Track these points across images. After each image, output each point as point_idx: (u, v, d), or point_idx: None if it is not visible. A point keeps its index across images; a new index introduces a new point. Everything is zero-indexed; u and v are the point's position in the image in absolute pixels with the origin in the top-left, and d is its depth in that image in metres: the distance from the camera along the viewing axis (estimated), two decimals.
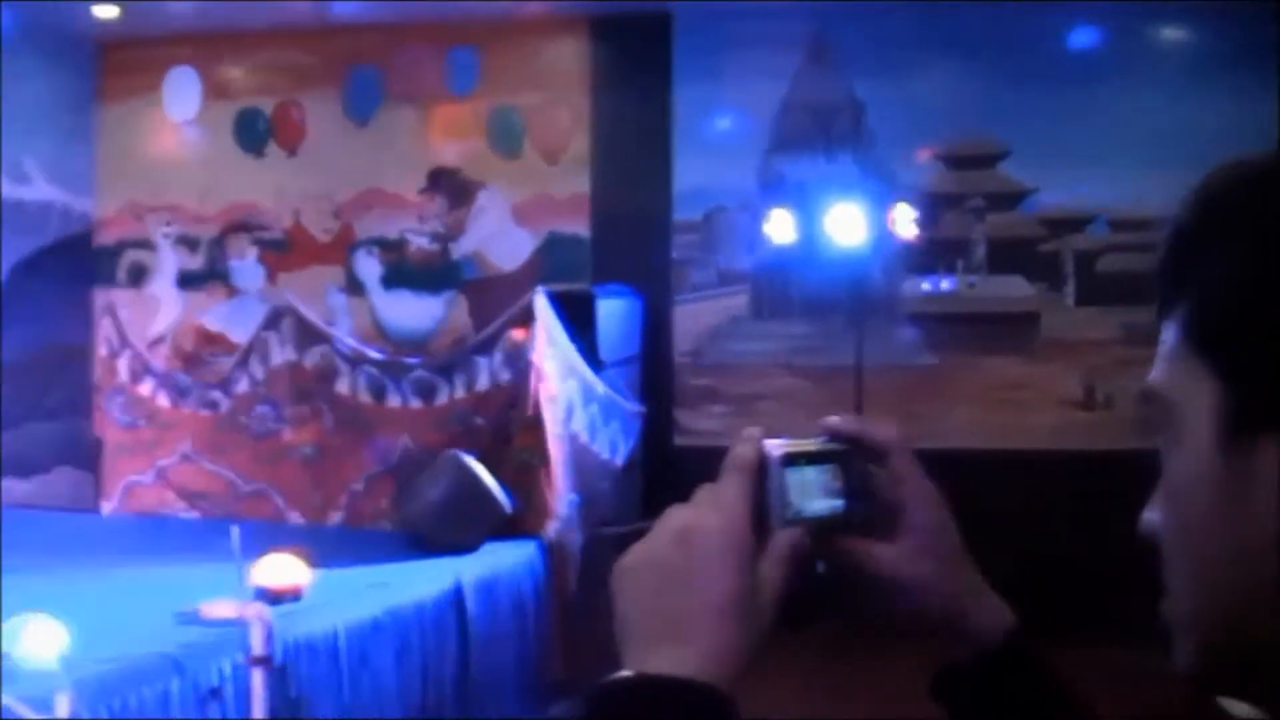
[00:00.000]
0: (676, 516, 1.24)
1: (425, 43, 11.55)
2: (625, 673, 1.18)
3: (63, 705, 4.38)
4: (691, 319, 10.96)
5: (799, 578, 1.24)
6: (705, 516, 1.23)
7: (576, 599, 8.82)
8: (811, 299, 10.60)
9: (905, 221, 10.19)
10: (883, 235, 10.17)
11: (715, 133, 10.91)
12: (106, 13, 11.61)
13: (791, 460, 1.27)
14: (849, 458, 1.30)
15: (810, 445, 1.30)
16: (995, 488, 8.74)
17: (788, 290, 10.73)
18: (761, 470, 1.26)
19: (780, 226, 10.45)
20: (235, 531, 5.27)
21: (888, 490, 1.32)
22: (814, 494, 1.27)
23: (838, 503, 1.28)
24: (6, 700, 4.52)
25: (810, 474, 1.28)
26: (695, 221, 11.03)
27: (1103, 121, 10.17)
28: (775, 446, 1.27)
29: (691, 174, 10.93)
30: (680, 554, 1.21)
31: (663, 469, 10.13)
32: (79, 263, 12.35)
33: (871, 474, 1.32)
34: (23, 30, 11.57)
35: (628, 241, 10.95)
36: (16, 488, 11.40)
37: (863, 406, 9.76)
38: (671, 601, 1.20)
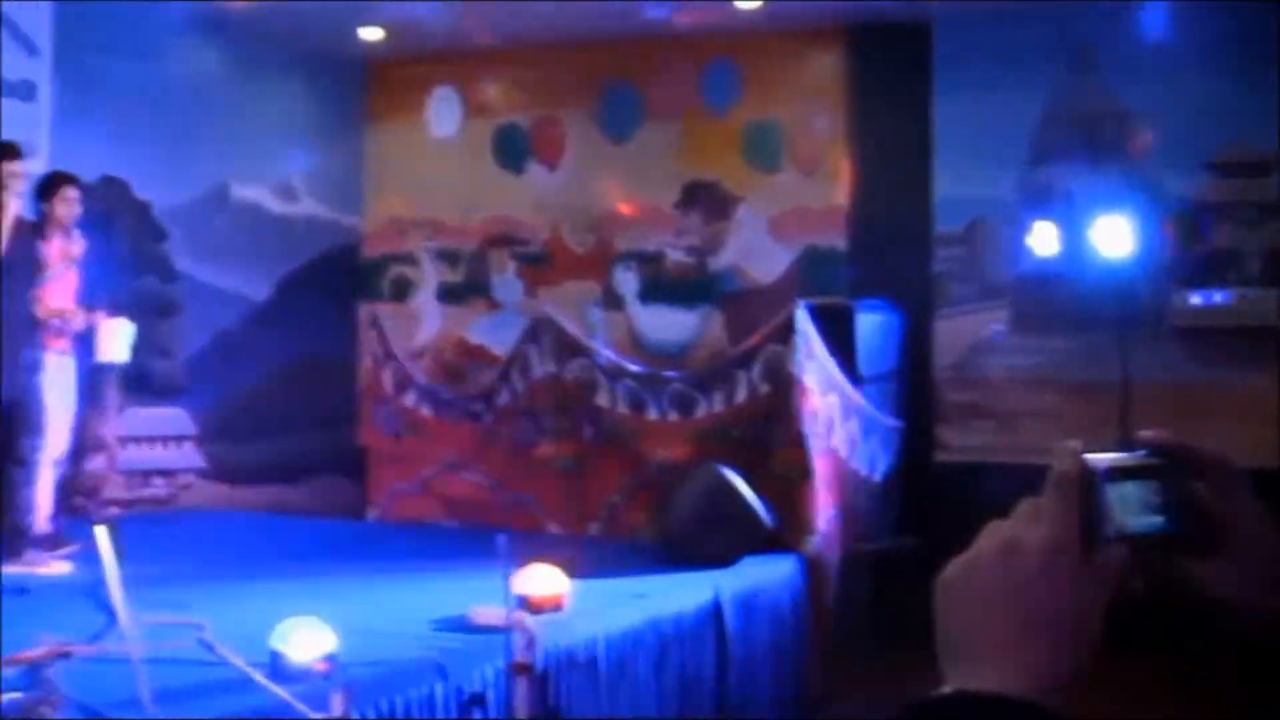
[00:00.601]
0: (1000, 531, 1.18)
1: (682, 57, 11.58)
2: (946, 689, 1.13)
3: (338, 704, 4.46)
4: (952, 333, 10.76)
5: (1120, 597, 1.17)
6: (1030, 532, 1.16)
7: (835, 615, 8.72)
8: (1076, 313, 10.29)
9: (1176, 232, 9.85)
10: (1151, 247, 9.85)
11: (977, 143, 10.66)
12: (372, 35, 11.91)
13: (1114, 475, 1.19)
14: (1170, 473, 1.22)
15: (1131, 459, 1.22)
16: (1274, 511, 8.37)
17: (1051, 304, 10.44)
18: (1084, 484, 1.19)
19: (1044, 238, 10.21)
20: (502, 540, 5.30)
21: (1211, 508, 1.23)
22: (1135, 510, 1.20)
23: (1158, 519, 1.21)
24: (285, 698, 4.62)
25: (1131, 489, 1.20)
26: (956, 234, 10.82)
27: None
28: (1098, 460, 1.20)
29: (952, 185, 10.74)
30: (1006, 570, 1.15)
31: (923, 485, 9.96)
32: (344, 276, 12.69)
33: (1193, 491, 1.23)
34: (291, 53, 11.94)
35: (886, 254, 10.80)
36: (285, 494, 11.74)
37: (1129, 423, 9.46)
38: (997, 618, 1.14)
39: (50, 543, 7.93)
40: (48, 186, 8.54)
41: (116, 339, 8.43)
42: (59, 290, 8.43)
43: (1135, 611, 1.20)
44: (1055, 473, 1.19)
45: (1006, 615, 1.13)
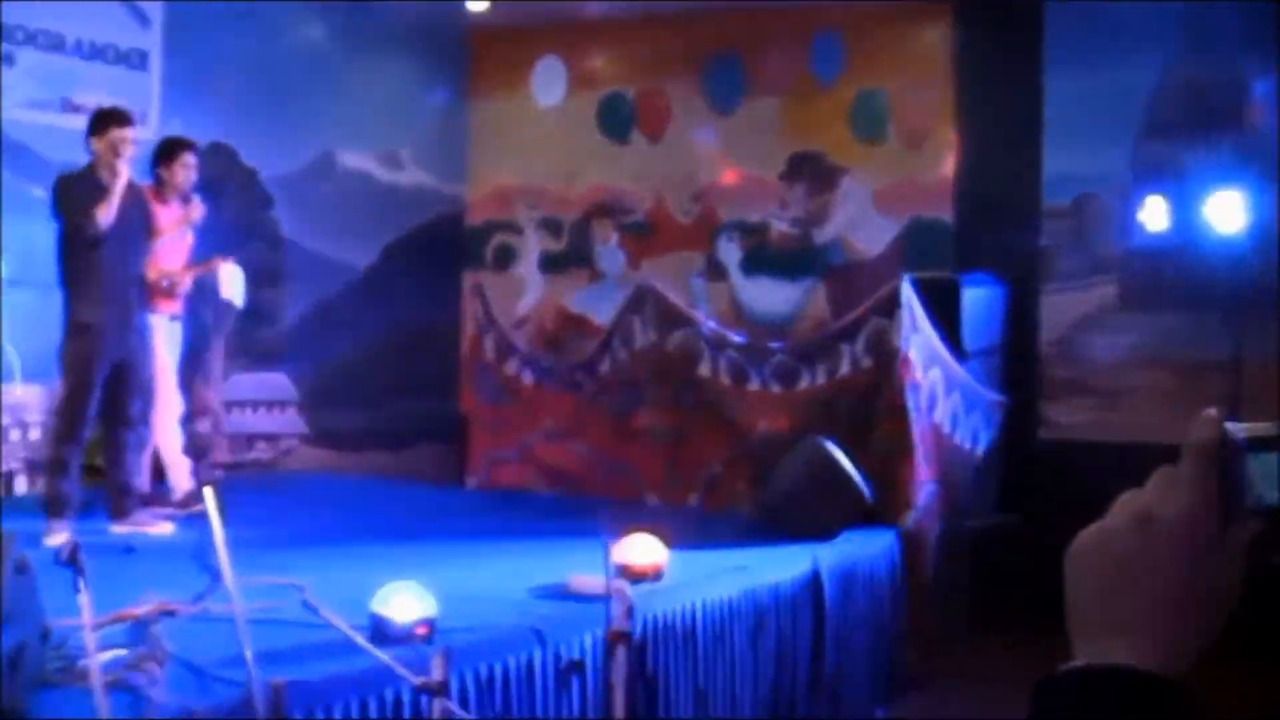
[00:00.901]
0: (1134, 501, 1.15)
1: (788, 29, 11.50)
2: (1077, 662, 1.10)
3: (437, 668, 4.48)
4: (1059, 308, 10.60)
5: (1255, 570, 1.13)
6: (1166, 502, 1.13)
7: (932, 591, 8.65)
8: (1187, 290, 10.10)
9: None
10: (1265, 222, 9.65)
11: (1087, 115, 10.47)
12: (477, 5, 11.94)
13: (1253, 444, 1.15)
14: None
15: (1271, 429, 1.18)
16: None
17: (1161, 280, 10.25)
18: (1223, 454, 1.15)
19: (1154, 213, 10.05)
20: (604, 510, 5.32)
21: None
22: (1274, 481, 1.15)
23: None
24: (386, 661, 4.65)
25: (1270, 460, 1.16)
26: (1064, 208, 10.65)
27: None
28: (1238, 429, 1.16)
29: (1061, 159, 10.56)
30: (1140, 541, 1.12)
31: (1026, 462, 9.85)
32: (448, 245, 12.76)
33: None
34: (398, 23, 12.01)
35: (993, 228, 10.66)
36: (386, 460, 11.84)
37: (1240, 404, 9.29)
38: (1130, 590, 1.11)
39: (192, 499, 8.07)
40: (166, 152, 8.70)
41: (235, 282, 8.69)
42: (172, 254, 8.59)
43: (1269, 586, 1.17)
44: (1194, 441, 1.15)
45: (1140, 588, 1.11)
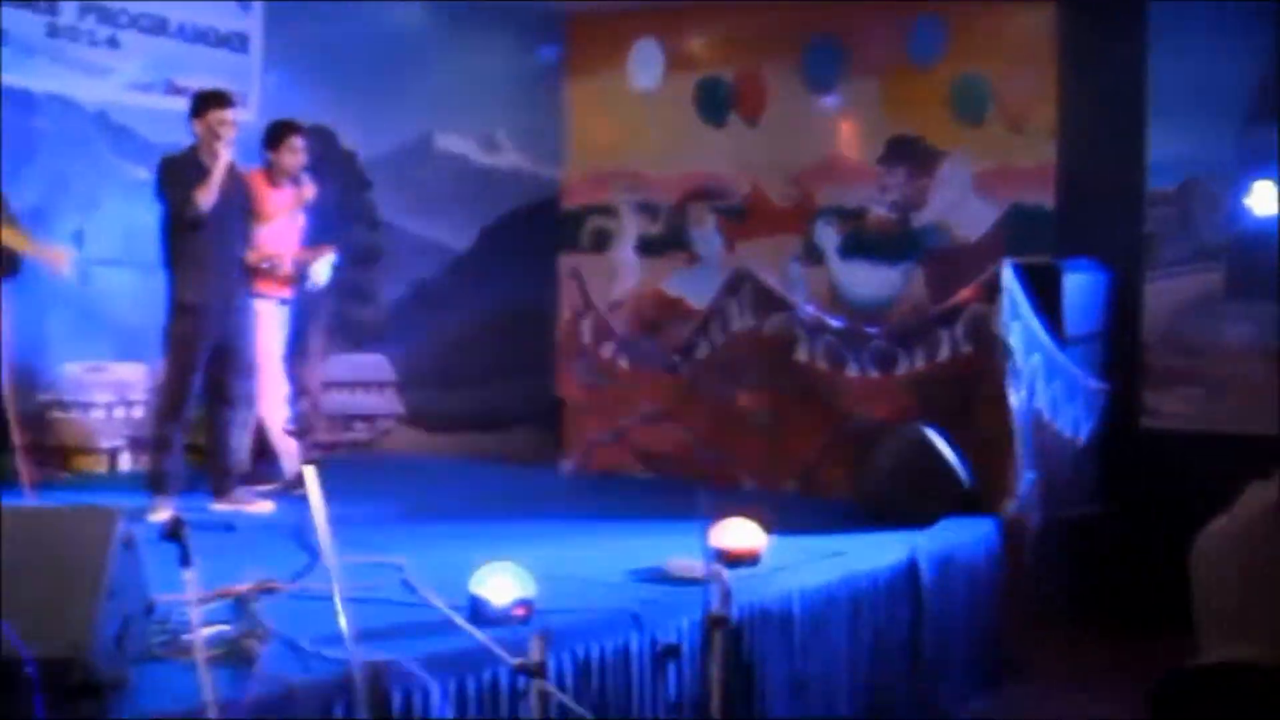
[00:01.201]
0: (1266, 492, 1.10)
1: (888, 11, 11.39)
2: (1207, 659, 1.06)
3: (536, 649, 4.48)
4: (1162, 296, 10.40)
5: None
6: None
7: (1031, 580, 8.56)
8: None
9: None
10: None
11: (1193, 99, 10.25)
12: None
13: None
14: None
15: None
16: None
17: (1269, 267, 10.03)
18: None
19: (1262, 199, 9.86)
20: (701, 495, 5.30)
21: None
22: None
23: None
24: (484, 641, 4.66)
25: None
26: (1169, 193, 10.45)
27: None
28: None
29: (1166, 143, 10.36)
30: (1270, 537, 1.07)
31: (1127, 451, 9.70)
32: (545, 227, 12.78)
33: None
34: (496, 7, 12.03)
35: (1095, 213, 10.49)
36: (482, 442, 11.89)
37: None
38: (1266, 585, 1.07)
39: (299, 480, 8.16)
40: (274, 135, 8.80)
41: (323, 266, 8.80)
42: (284, 237, 8.69)
43: None
44: None
45: (1271, 584, 1.06)
